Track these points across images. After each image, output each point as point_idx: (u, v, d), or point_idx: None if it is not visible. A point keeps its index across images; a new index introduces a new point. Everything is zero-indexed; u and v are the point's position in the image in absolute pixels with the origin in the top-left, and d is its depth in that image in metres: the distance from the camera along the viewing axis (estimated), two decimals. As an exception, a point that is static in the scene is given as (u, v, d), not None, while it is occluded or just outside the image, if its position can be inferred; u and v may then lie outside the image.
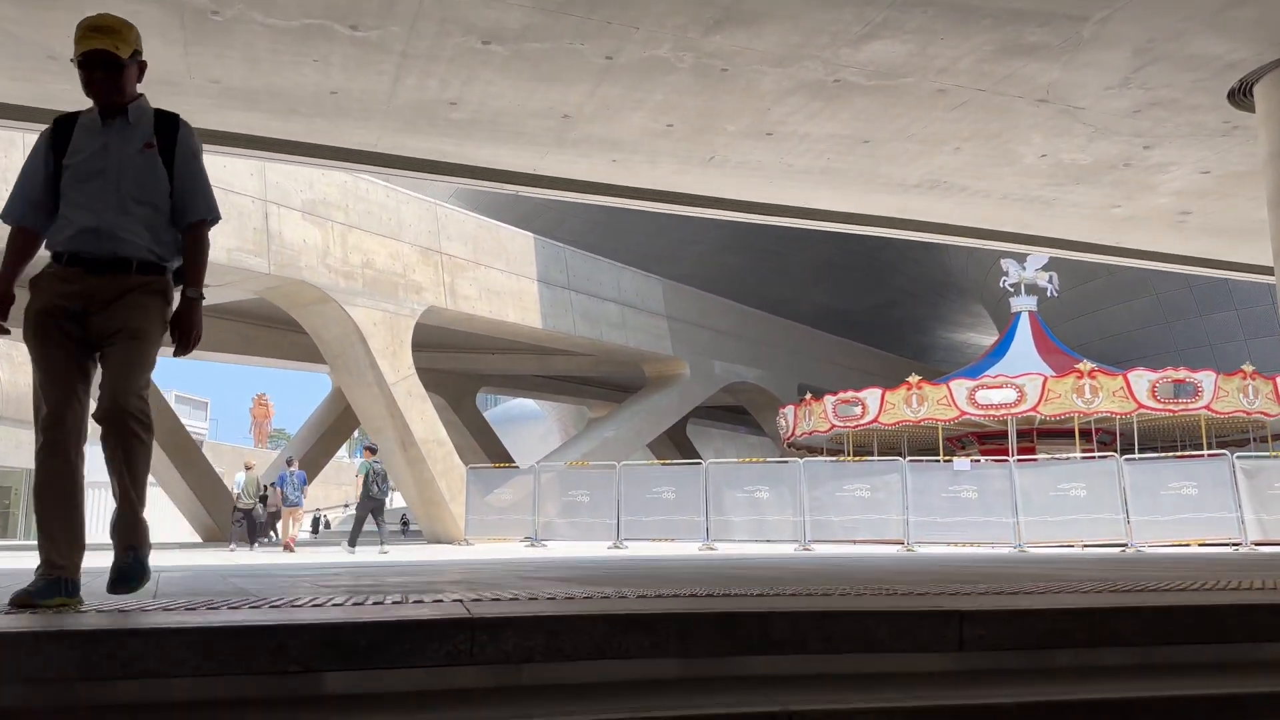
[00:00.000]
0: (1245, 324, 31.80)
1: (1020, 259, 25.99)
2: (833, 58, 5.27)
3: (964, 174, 7.10)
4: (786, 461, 17.82)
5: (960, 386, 20.12)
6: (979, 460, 17.91)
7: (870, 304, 51.53)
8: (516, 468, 21.41)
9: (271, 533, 21.94)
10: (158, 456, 25.00)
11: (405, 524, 45.74)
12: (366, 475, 15.45)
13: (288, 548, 16.21)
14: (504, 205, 34.94)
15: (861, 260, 46.17)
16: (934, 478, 16.62)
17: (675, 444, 40.05)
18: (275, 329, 25.26)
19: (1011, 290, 25.78)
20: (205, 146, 6.67)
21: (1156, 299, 33.64)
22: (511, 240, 23.47)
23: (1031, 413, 19.98)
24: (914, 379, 20.80)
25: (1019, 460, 16.66)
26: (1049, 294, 25.81)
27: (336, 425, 29.91)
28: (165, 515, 33.93)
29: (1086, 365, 19.88)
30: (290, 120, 6.21)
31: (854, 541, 16.64)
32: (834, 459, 19.23)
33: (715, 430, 50.03)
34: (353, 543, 14.99)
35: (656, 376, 29.02)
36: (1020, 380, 19.97)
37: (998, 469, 16.65)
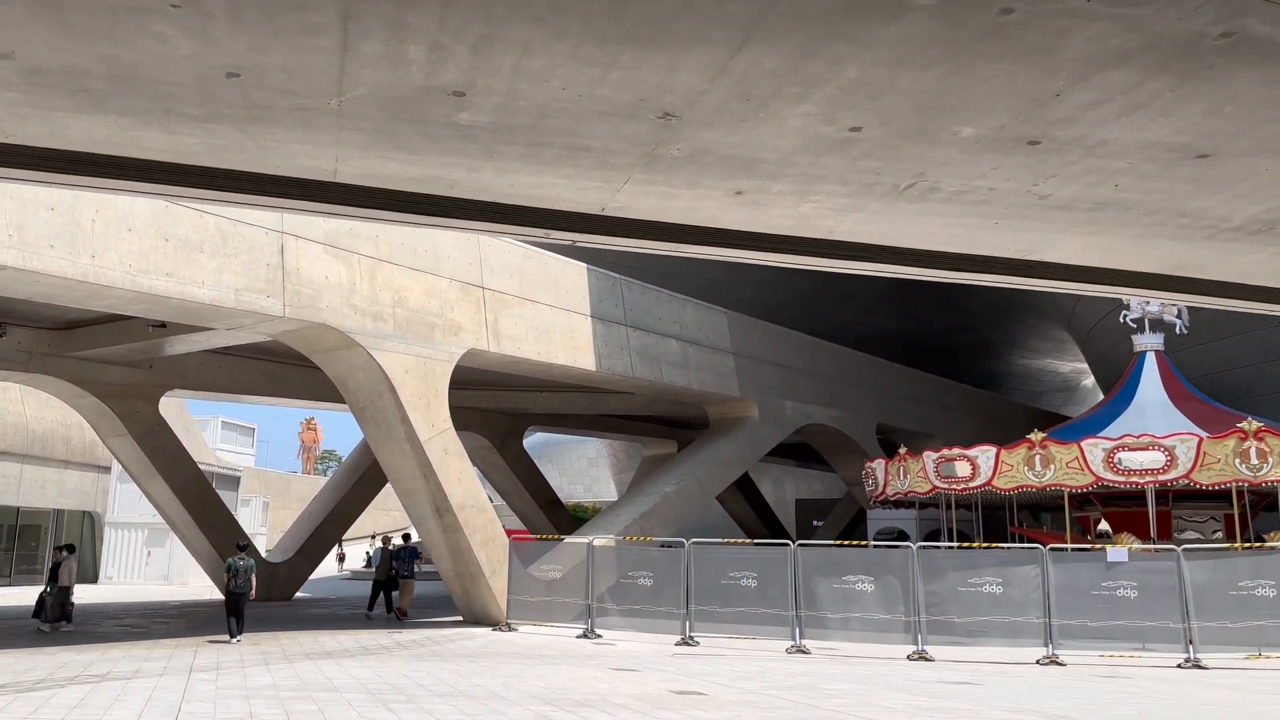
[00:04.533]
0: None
1: (1144, 290, 22.62)
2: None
3: (1332, 210, 4.15)
4: (897, 547, 14.77)
5: (1095, 447, 16.86)
6: (1134, 545, 14.67)
7: (939, 328, 48.36)
8: (560, 539, 18.61)
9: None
10: (176, 510, 22.73)
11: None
12: (229, 569, 15.44)
13: (401, 614, 19.21)
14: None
15: (932, 283, 42.95)
16: (1082, 572, 13.47)
17: (736, 483, 37.00)
18: (305, 367, 22.87)
19: (1134, 326, 22.43)
20: (40, 177, 3.95)
21: (1283, 330, 29.77)
22: (563, 272, 20.80)
23: (1183, 480, 16.68)
24: (1036, 436, 17.58)
25: (1187, 549, 13.42)
26: (1178, 330, 22.41)
27: (373, 472, 27.37)
28: (188, 570, 31.75)
29: (1252, 424, 16.49)
30: (174, 131, 3.51)
31: (980, 646, 13.52)
32: (950, 545, 16.08)
33: (775, 466, 46.73)
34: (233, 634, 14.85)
35: (720, 419, 26.06)
36: (1169, 441, 16.67)
37: (1162, 563, 13.45)
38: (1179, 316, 22.20)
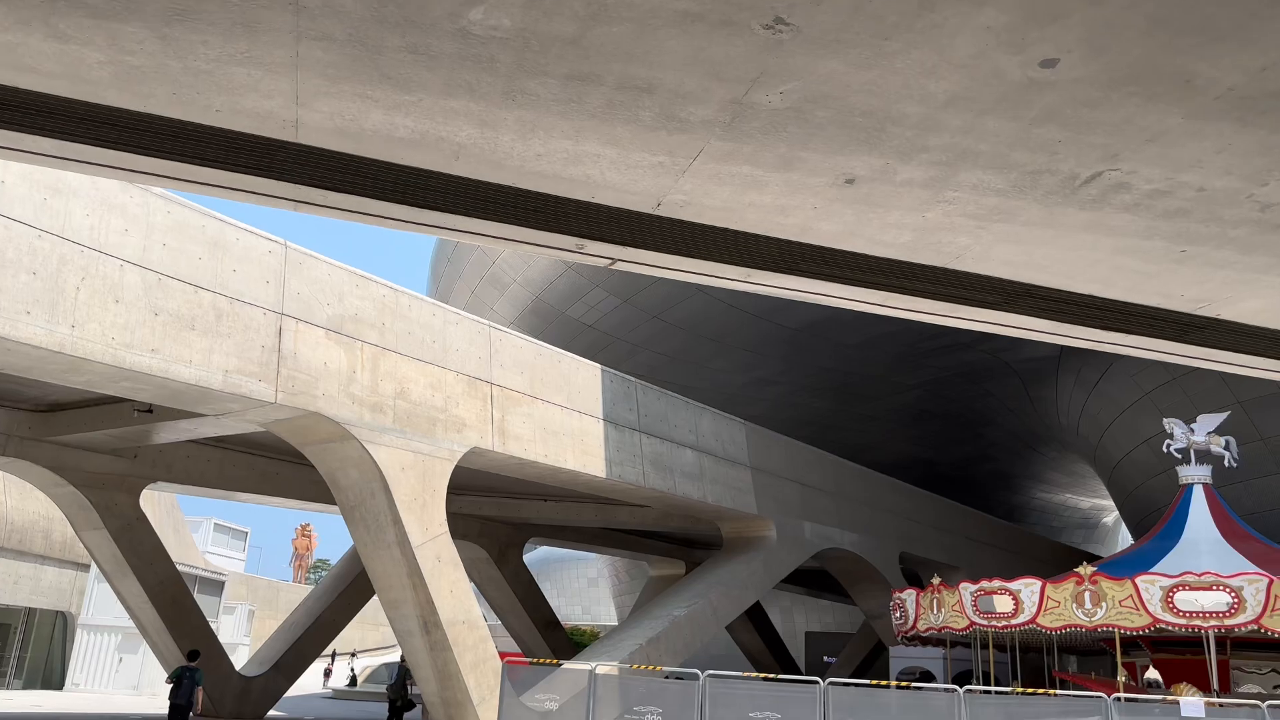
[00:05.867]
0: None
1: (1188, 420, 21.44)
2: None
3: None
4: (938, 689, 13.14)
5: (1153, 585, 15.32)
6: (1210, 700, 13.02)
7: (958, 456, 47.11)
8: (559, 665, 16.94)
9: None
10: (148, 613, 21.06)
11: (353, 679, 40.64)
12: (174, 678, 15.56)
13: None
14: (564, 336, 31.58)
15: (954, 409, 41.99)
16: (1154, 726, 11.82)
17: (746, 611, 34.89)
18: (298, 464, 21.66)
19: (1178, 457, 21.12)
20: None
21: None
22: (575, 371, 19.78)
23: (1251, 625, 15.09)
24: (1086, 570, 16.05)
25: (1272, 704, 11.79)
26: (1226, 463, 21.07)
27: (361, 581, 25.66)
28: (159, 680, 29.67)
29: (1326, 565, 15.01)
30: (66, 36, 2.39)
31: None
32: (992, 689, 14.40)
33: (784, 595, 44.48)
34: None
35: (735, 538, 24.54)
36: (1235, 582, 15.14)
37: (1246, 716, 11.80)
38: (1227, 448, 20.91)
